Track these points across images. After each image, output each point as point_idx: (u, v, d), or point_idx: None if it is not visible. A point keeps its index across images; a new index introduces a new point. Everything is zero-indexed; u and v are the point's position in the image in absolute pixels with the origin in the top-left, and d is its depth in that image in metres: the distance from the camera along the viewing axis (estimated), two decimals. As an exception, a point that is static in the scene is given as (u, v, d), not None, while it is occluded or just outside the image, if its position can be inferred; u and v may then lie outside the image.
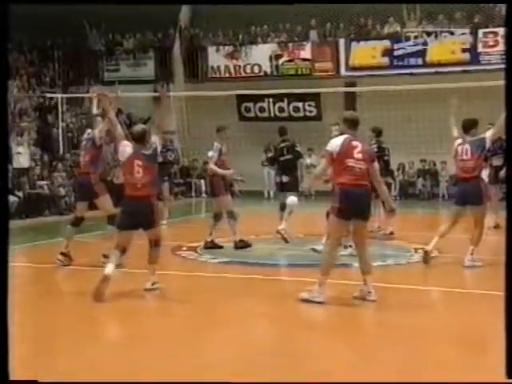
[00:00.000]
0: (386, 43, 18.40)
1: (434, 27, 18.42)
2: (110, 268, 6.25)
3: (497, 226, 10.63)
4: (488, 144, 7.73)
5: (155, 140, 6.57)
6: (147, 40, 21.22)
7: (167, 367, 4.28)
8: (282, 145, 10.38)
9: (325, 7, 19.18)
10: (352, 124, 6.14)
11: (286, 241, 9.33)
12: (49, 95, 18.50)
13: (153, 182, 6.51)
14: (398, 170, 18.64)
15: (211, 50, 19.98)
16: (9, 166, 10.57)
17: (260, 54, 19.45)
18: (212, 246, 9.18)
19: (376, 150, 9.19)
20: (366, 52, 18.56)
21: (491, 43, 17.27)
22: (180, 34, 20.62)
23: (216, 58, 19.82)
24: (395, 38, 18.43)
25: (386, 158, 10.46)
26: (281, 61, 19.32)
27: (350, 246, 7.70)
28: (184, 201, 18.29)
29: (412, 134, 16.63)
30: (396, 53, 18.17)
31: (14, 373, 3.07)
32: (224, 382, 3.84)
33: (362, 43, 18.74)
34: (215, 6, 19.62)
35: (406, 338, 5.03)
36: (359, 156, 5.90)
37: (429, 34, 18.05)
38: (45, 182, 14.75)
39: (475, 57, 17.45)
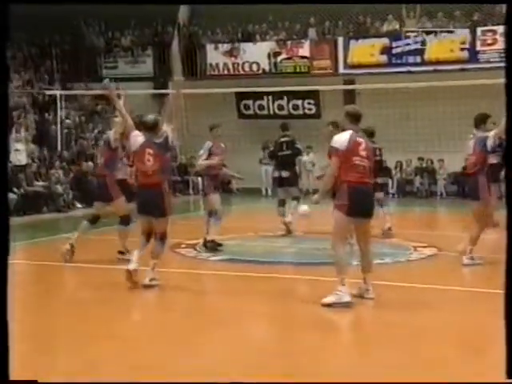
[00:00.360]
0: (385, 41, 18.40)
1: (432, 25, 18.43)
2: (132, 265, 6.49)
3: (495, 225, 10.65)
4: (490, 142, 7.68)
5: (167, 129, 6.70)
6: (146, 37, 21.20)
7: (166, 367, 4.27)
8: (282, 140, 10.45)
9: (324, 5, 19.18)
10: (354, 118, 5.97)
11: (289, 232, 9.60)
12: (47, 92, 18.48)
13: (163, 169, 6.64)
14: (396, 168, 18.66)
15: (210, 47, 19.96)
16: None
17: (258, 52, 19.44)
18: (211, 244, 9.11)
19: None
20: (365, 50, 18.56)
21: (490, 41, 17.29)
22: (179, 32, 20.60)
23: (215, 55, 19.81)
24: (394, 35, 18.43)
25: (377, 158, 10.45)
26: (279, 58, 19.31)
27: (349, 244, 7.71)
28: (182, 198, 18.28)
29: (410, 132, 16.66)
30: (394, 51, 18.18)
31: (14, 373, 3.06)
32: (223, 382, 3.83)
33: (360, 41, 18.74)
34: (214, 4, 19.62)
35: (405, 337, 5.03)
36: (364, 153, 5.85)
37: (427, 32, 18.05)
38: (42, 183, 14.71)
39: (474, 55, 17.46)
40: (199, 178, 19.16)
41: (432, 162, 18.64)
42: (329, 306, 5.56)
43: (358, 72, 18.43)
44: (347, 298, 5.62)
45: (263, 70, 19.37)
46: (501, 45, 16.56)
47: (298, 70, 19.16)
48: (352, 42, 18.75)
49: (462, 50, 17.57)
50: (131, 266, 6.48)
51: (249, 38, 20.06)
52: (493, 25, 17.35)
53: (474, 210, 8.03)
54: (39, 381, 3.27)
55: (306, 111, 19.49)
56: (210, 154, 9.01)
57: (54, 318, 5.62)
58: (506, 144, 3.91)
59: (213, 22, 20.98)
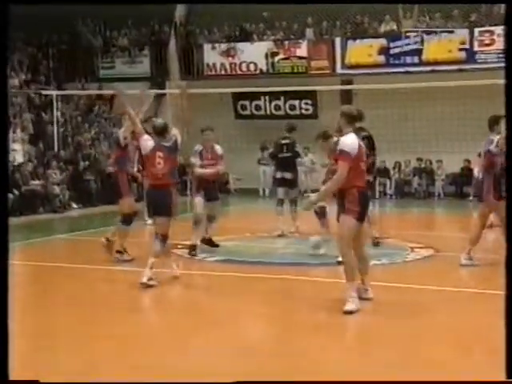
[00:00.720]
0: (383, 41, 18.38)
1: (430, 26, 18.42)
2: (145, 277, 6.60)
3: (490, 226, 10.65)
4: (493, 145, 7.65)
5: (175, 133, 7.02)
6: (143, 37, 21.16)
7: (165, 366, 4.26)
8: (283, 142, 10.48)
9: (321, 5, 19.17)
10: (352, 119, 5.84)
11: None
12: (43, 92, 18.44)
13: (172, 172, 6.95)
14: (394, 168, 18.66)
15: (207, 47, 19.92)
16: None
17: (256, 52, 19.40)
18: (208, 243, 9.07)
19: None
20: (363, 50, 18.54)
21: (487, 42, 17.28)
22: (176, 32, 20.56)
23: (212, 55, 19.77)
24: (391, 36, 18.42)
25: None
26: (277, 58, 19.28)
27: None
28: (179, 199, 18.22)
29: (408, 132, 16.65)
30: (392, 51, 18.16)
31: (14, 373, 3.04)
32: (223, 382, 3.81)
33: (358, 41, 18.72)
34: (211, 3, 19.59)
35: (403, 338, 5.01)
36: (364, 158, 5.85)
37: (425, 32, 18.04)
38: (38, 182, 14.66)
39: (471, 55, 17.46)
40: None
41: (430, 163, 18.63)
42: (351, 313, 5.49)
43: (356, 72, 18.41)
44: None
45: (260, 70, 19.34)
46: (498, 45, 16.56)
47: (295, 70, 19.13)
48: (350, 42, 18.73)
49: (460, 50, 17.56)
50: (144, 279, 6.63)
51: (246, 37, 20.03)
52: (490, 25, 17.35)
53: (479, 211, 8.07)
54: (40, 381, 3.26)
55: (303, 111, 19.48)
56: (200, 158, 8.80)
57: (52, 319, 5.60)
58: (506, 144, 3.89)
59: (210, 22, 20.95)
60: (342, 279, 5.77)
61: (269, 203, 17.32)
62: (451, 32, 17.81)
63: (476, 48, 17.44)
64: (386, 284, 6.86)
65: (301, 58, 19.10)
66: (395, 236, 10.05)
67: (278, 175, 10.54)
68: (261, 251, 9.20)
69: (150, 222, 8.49)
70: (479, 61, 17.31)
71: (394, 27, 18.85)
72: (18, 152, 15.31)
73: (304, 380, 4.00)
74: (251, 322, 5.61)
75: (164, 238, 6.84)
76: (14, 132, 15.81)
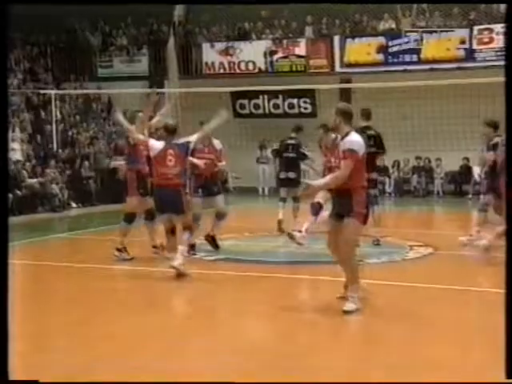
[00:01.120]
0: (381, 40, 18.36)
1: (428, 24, 18.41)
2: (177, 261, 6.93)
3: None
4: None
5: (194, 137, 7.41)
6: (141, 36, 21.14)
7: (165, 366, 4.25)
8: (289, 142, 10.52)
9: (320, 4, 19.15)
10: (350, 116, 5.67)
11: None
12: (42, 91, 18.42)
13: (182, 172, 7.22)
14: (393, 166, 18.66)
15: (205, 46, 19.90)
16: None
17: (255, 51, 19.39)
18: (210, 241, 8.83)
19: None
20: (361, 49, 18.53)
21: (486, 40, 17.27)
22: (174, 30, 20.54)
23: (210, 54, 19.75)
24: (390, 34, 18.41)
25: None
26: (275, 57, 19.27)
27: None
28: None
29: (407, 130, 16.65)
30: (391, 49, 18.15)
31: (15, 373, 3.03)
32: (222, 382, 3.81)
33: (356, 40, 18.71)
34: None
35: (403, 337, 5.00)
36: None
37: (424, 30, 18.04)
38: (35, 180, 14.65)
39: (470, 54, 17.45)
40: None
41: (429, 161, 18.63)
42: (350, 312, 5.46)
43: (355, 71, 18.41)
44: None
45: (259, 68, 19.32)
46: (497, 43, 16.55)
47: (294, 69, 19.12)
48: (348, 40, 18.71)
49: (459, 48, 17.55)
50: (175, 263, 6.91)
51: (245, 36, 20.01)
52: (489, 23, 17.34)
53: (495, 206, 8.43)
54: (40, 381, 3.25)
55: (302, 110, 19.46)
56: (193, 150, 8.28)
57: (51, 318, 5.58)
58: (506, 144, 3.89)
59: (209, 21, 20.93)
60: (341, 277, 5.77)
61: (268, 202, 17.32)
62: (450, 30, 17.80)
63: (475, 46, 17.43)
64: (386, 282, 6.85)
65: (299, 56, 19.09)
66: (394, 234, 10.05)
67: (283, 175, 10.56)
68: (260, 250, 9.19)
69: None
70: (478, 59, 17.30)
71: (393, 25, 18.84)
72: (16, 151, 15.29)
73: (304, 381, 3.99)
74: (251, 321, 5.61)
75: (189, 228, 7.21)
76: (13, 131, 15.79)
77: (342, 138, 5.57)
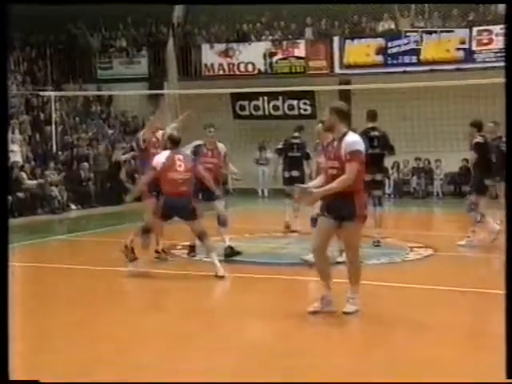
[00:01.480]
0: (381, 41, 18.39)
1: (427, 25, 18.42)
2: (221, 270, 7.13)
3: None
4: None
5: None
6: (141, 38, 21.14)
7: (165, 367, 4.24)
8: (293, 141, 10.56)
9: (319, 5, 19.17)
10: (346, 115, 5.46)
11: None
12: (41, 93, 18.41)
13: (191, 180, 7.38)
14: (393, 168, 18.65)
15: (205, 47, 19.92)
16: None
17: (254, 52, 19.40)
18: (230, 252, 8.35)
19: None
20: (361, 50, 18.55)
21: (485, 41, 17.28)
22: (174, 32, 20.55)
23: (210, 55, 19.76)
24: (389, 35, 18.42)
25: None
26: (275, 59, 19.28)
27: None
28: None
29: (407, 132, 16.63)
30: (390, 51, 18.17)
31: (15, 373, 3.02)
32: (222, 382, 3.80)
33: (356, 41, 18.73)
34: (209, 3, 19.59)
35: (404, 337, 5.00)
36: None
37: (423, 31, 18.05)
38: (35, 182, 14.64)
39: (469, 55, 17.46)
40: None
41: (429, 162, 18.64)
42: (351, 313, 5.43)
43: (354, 72, 18.41)
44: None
45: (259, 70, 19.33)
46: (496, 45, 16.57)
47: (293, 71, 19.13)
48: (348, 42, 18.73)
49: (458, 49, 17.57)
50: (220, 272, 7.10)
51: (244, 38, 20.02)
52: (488, 24, 17.35)
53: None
54: (41, 381, 3.24)
55: (302, 111, 19.47)
56: (195, 154, 8.32)
57: (51, 319, 5.56)
58: (506, 144, 3.89)
59: (208, 22, 20.94)
60: (341, 279, 5.75)
61: (267, 203, 17.32)
62: (449, 31, 17.81)
63: (474, 47, 17.44)
64: (386, 283, 6.85)
65: (299, 58, 19.11)
66: (394, 235, 10.04)
67: (287, 174, 10.58)
68: (260, 251, 9.18)
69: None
70: (478, 60, 17.32)
71: (392, 26, 18.85)
72: (16, 153, 15.28)
73: (304, 381, 3.99)
74: (250, 322, 5.60)
75: (205, 235, 7.33)
76: (12, 133, 15.78)
77: (340, 139, 5.33)
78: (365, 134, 9.23)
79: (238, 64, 19.46)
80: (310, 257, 6.73)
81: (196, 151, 8.44)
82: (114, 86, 19.64)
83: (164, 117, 9.24)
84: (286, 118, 18.95)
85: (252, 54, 19.37)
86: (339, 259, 7.01)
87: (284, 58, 19.22)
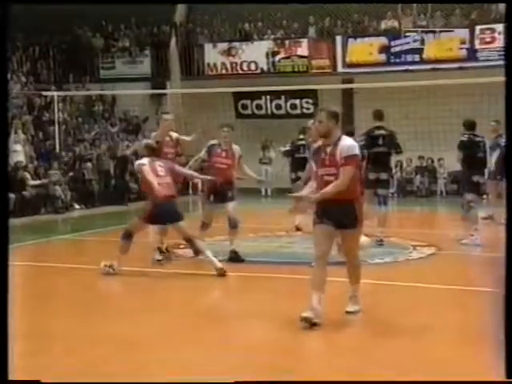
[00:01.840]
0: (383, 40, 18.36)
1: (430, 24, 18.40)
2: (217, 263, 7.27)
3: (489, 218, 10.80)
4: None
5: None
6: (143, 37, 21.16)
7: (166, 367, 4.25)
8: (299, 143, 10.61)
9: (322, 4, 19.16)
10: (338, 119, 5.24)
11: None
12: (44, 93, 18.43)
13: (173, 183, 7.55)
14: (396, 167, 18.61)
15: (208, 46, 19.92)
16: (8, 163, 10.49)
17: (257, 51, 19.40)
18: (234, 256, 8.23)
19: None
20: (363, 49, 18.53)
21: (488, 40, 17.25)
22: (176, 31, 20.57)
23: (212, 54, 19.77)
24: (392, 34, 18.39)
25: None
26: (277, 58, 19.28)
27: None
28: (181, 198, 18.20)
29: (410, 130, 16.58)
30: (393, 49, 18.14)
31: (16, 373, 3.02)
32: (222, 383, 3.80)
33: (359, 40, 18.71)
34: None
35: (405, 337, 4.99)
36: None
37: (425, 30, 18.03)
38: (38, 182, 14.67)
39: (472, 53, 17.43)
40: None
41: (432, 161, 18.61)
42: (353, 313, 5.45)
43: (357, 71, 18.40)
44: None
45: (261, 69, 19.33)
46: (499, 43, 16.53)
47: (296, 70, 19.12)
48: (350, 40, 18.71)
49: (461, 48, 17.54)
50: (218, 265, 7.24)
51: (247, 37, 20.02)
52: (491, 23, 17.32)
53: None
54: (42, 381, 3.24)
55: (304, 110, 19.45)
56: (209, 154, 8.31)
57: (54, 319, 5.58)
58: (506, 143, 3.89)
59: (211, 22, 20.94)
60: (342, 278, 5.74)
61: (271, 203, 17.31)
62: (450, 30, 17.78)
63: (477, 46, 17.41)
64: (389, 282, 6.84)
65: (301, 57, 19.10)
66: (398, 234, 10.03)
67: (293, 176, 10.60)
68: (263, 250, 9.19)
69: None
70: (481, 58, 17.28)
71: (396, 24, 18.82)
72: (19, 153, 15.30)
73: (306, 380, 3.99)
74: (252, 321, 5.60)
75: (192, 237, 7.44)
76: (15, 133, 15.81)
77: (335, 144, 5.13)
78: (368, 134, 9.28)
79: (241, 63, 19.45)
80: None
81: (209, 151, 8.31)
82: (117, 85, 19.65)
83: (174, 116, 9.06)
84: (288, 117, 18.95)
85: (255, 53, 19.37)
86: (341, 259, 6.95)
87: (287, 57, 19.21)
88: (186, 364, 4.34)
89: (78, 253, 9.73)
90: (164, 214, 7.29)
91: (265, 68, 19.32)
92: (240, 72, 19.41)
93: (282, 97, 19.57)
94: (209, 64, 19.77)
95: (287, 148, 10.96)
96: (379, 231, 9.12)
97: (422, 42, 17.91)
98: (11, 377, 3.01)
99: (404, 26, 18.40)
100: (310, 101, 19.39)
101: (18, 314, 5.52)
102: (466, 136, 9.27)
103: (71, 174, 16.05)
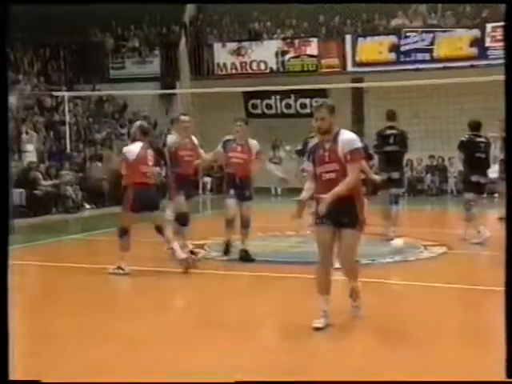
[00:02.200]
0: (393, 39, 18.30)
1: (442, 22, 18.31)
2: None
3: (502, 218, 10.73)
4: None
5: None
6: (153, 37, 21.21)
7: (166, 367, 4.24)
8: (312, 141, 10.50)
9: (332, 4, 19.11)
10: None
11: None
12: (55, 93, 18.52)
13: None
14: (406, 165, 18.54)
15: (217, 46, 19.94)
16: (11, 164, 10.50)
17: (266, 51, 19.40)
18: (244, 256, 8.17)
19: None
20: (373, 48, 18.48)
21: (499, 37, 17.14)
22: (186, 31, 20.60)
23: (222, 54, 19.79)
24: (402, 33, 18.32)
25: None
26: (287, 57, 19.26)
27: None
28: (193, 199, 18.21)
29: (420, 129, 16.54)
30: (403, 48, 18.08)
31: (17, 373, 3.03)
32: (222, 383, 3.79)
33: (368, 39, 18.67)
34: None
35: (405, 336, 4.98)
36: None
37: (436, 28, 17.95)
38: (50, 182, 14.74)
39: (483, 51, 17.33)
40: (208, 178, 19.25)
41: (443, 160, 18.54)
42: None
43: (367, 70, 18.35)
44: None
45: (271, 68, 19.33)
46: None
47: (305, 69, 19.11)
48: (360, 39, 18.67)
49: (472, 46, 17.45)
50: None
51: (256, 36, 20.02)
52: (502, 21, 17.19)
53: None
54: (42, 381, 3.25)
55: (314, 110, 19.41)
56: (225, 150, 8.12)
57: (59, 319, 5.58)
58: (506, 143, 3.87)
59: (220, 21, 20.94)
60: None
61: (281, 202, 17.29)
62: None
63: (488, 44, 17.31)
64: (399, 282, 6.82)
65: (311, 56, 19.08)
66: (408, 233, 9.99)
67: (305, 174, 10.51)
68: (273, 250, 9.18)
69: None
70: (491, 57, 17.18)
71: (406, 22, 18.74)
72: (30, 153, 15.39)
73: (310, 380, 3.97)
74: (262, 322, 5.60)
75: (163, 227, 7.47)
76: (27, 133, 15.90)
77: (334, 139, 4.92)
78: (380, 134, 9.35)
79: (251, 63, 19.46)
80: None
81: (225, 146, 8.15)
82: (127, 85, 19.71)
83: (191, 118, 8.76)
84: (298, 116, 18.93)
85: (264, 52, 19.37)
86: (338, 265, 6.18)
87: (296, 57, 19.20)
88: (198, 364, 4.33)
89: (89, 252, 9.76)
90: (145, 202, 7.29)
91: (274, 67, 19.31)
92: (250, 72, 19.42)
93: (292, 96, 19.57)
94: (218, 64, 19.79)
95: (299, 147, 10.93)
96: (391, 230, 9.10)
97: (433, 40, 17.83)
98: (14, 376, 3.01)
99: (415, 24, 18.33)
100: (320, 100, 19.32)
101: (26, 313, 5.56)
102: (466, 136, 9.38)
103: (82, 174, 16.11)
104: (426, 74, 16.62)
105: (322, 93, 19.07)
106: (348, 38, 18.82)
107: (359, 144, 4.95)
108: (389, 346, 4.74)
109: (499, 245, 8.64)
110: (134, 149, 7.41)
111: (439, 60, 17.69)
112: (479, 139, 9.37)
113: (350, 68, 18.76)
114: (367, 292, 5.56)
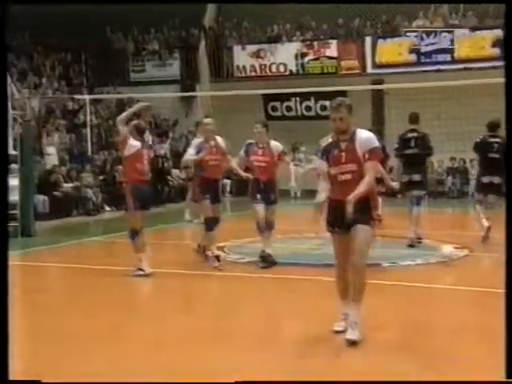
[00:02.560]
0: (413, 40, 18.18)
1: (463, 22, 18.16)
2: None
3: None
4: None
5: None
6: (173, 40, 21.31)
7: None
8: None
9: (351, 5, 19.05)
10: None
11: None
12: (76, 96, 18.68)
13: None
14: (427, 167, 18.41)
15: (237, 48, 19.97)
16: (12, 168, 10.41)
17: (285, 53, 19.39)
18: (265, 258, 7.99)
19: None
20: (393, 49, 18.38)
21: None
22: (205, 34, 20.67)
23: (242, 57, 19.82)
24: (422, 34, 18.19)
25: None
26: (306, 59, 19.23)
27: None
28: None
29: (441, 131, 16.39)
30: (423, 49, 17.95)
31: (17, 373, 3.04)
32: (222, 383, 3.78)
33: (388, 40, 18.57)
34: (240, 5, 19.63)
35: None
36: None
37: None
38: (71, 184, 14.86)
39: (505, 52, 17.14)
40: (228, 181, 19.24)
41: (464, 162, 18.36)
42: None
43: (387, 71, 18.25)
44: None
45: (290, 71, 19.31)
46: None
47: (325, 71, 19.05)
48: (380, 41, 18.58)
49: (494, 47, 17.26)
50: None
51: (275, 39, 20.03)
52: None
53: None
54: (42, 381, 3.26)
55: (331, 110, 19.35)
56: (246, 154, 8.01)
57: (77, 320, 5.59)
58: (506, 143, 3.82)
59: (239, 24, 20.97)
60: (373, 280, 5.68)
61: (300, 204, 17.25)
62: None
63: (510, 44, 17.12)
64: (421, 285, 6.76)
65: (330, 58, 19.02)
66: (430, 236, 9.92)
67: None
68: (292, 252, 9.16)
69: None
70: (514, 57, 16.98)
71: (427, 23, 18.61)
72: (52, 156, 15.53)
73: (314, 380, 3.94)
74: (285, 324, 5.59)
75: (141, 229, 7.51)
76: (48, 136, 16.05)
77: (351, 138, 4.79)
78: (401, 137, 9.32)
79: (270, 65, 19.46)
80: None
81: (247, 150, 8.04)
82: (147, 88, 19.81)
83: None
84: (318, 118, 18.87)
85: (284, 54, 19.36)
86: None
87: (316, 59, 19.16)
88: (195, 365, 4.30)
89: (109, 254, 9.82)
90: (144, 197, 7.43)
91: (294, 70, 19.29)
92: (269, 74, 19.42)
93: (312, 98, 19.52)
94: (238, 66, 19.82)
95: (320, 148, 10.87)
96: (412, 231, 9.05)
97: (453, 41, 17.68)
98: (13, 376, 3.01)
99: (436, 25, 18.20)
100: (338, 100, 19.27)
101: (47, 314, 5.60)
102: (480, 137, 9.37)
103: (103, 176, 16.22)
104: (447, 75, 16.47)
105: (342, 94, 18.97)
106: (368, 39, 18.74)
107: (377, 143, 4.83)
108: (420, 347, 4.70)
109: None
110: (135, 144, 7.43)
111: (460, 61, 17.53)
112: (493, 139, 9.32)
113: (369, 70, 18.67)
114: (388, 294, 5.53)
